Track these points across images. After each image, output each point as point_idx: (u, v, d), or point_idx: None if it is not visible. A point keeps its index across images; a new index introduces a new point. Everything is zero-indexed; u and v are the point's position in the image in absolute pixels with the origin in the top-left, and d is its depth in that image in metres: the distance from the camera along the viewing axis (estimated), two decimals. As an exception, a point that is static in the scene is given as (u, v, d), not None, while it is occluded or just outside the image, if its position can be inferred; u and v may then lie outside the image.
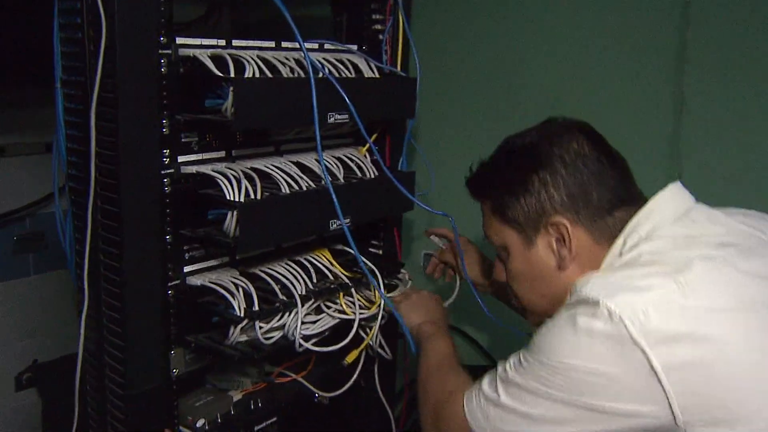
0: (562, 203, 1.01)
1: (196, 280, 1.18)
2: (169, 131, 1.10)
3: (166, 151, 1.11)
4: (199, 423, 1.26)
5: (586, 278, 0.94)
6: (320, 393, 1.44)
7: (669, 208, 1.00)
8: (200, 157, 1.17)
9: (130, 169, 1.04)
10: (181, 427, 1.24)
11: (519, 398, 0.94)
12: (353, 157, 1.38)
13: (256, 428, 1.34)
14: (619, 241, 0.99)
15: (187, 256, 1.18)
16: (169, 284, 1.15)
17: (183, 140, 1.14)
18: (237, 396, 1.36)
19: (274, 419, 1.37)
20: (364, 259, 1.31)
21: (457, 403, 1.04)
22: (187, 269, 1.18)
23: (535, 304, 1.12)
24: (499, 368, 0.99)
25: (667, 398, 0.84)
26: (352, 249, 1.23)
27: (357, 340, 1.34)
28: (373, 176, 1.37)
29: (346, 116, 1.22)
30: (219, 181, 1.12)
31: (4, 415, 2.01)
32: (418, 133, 1.93)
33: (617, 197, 1.01)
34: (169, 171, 1.12)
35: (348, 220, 1.28)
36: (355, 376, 1.43)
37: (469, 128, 1.92)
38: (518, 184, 1.04)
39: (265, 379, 1.42)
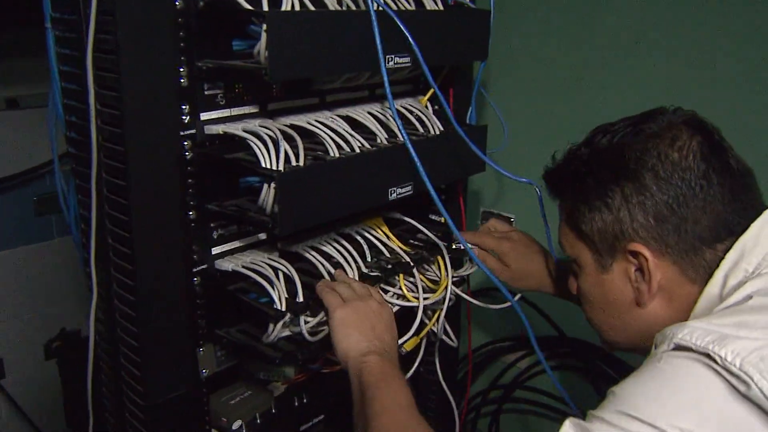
0: (647, 228, 0.79)
1: (226, 264, 0.97)
2: (188, 82, 0.88)
3: (186, 107, 0.89)
4: (236, 425, 1.07)
5: (680, 324, 0.70)
6: (374, 384, 1.24)
7: None
8: (228, 113, 0.95)
9: (139, 130, 0.83)
10: (213, 431, 1.06)
11: None
12: (413, 109, 1.15)
13: (302, 428, 1.15)
14: (718, 278, 0.76)
15: (215, 235, 0.97)
16: (195, 270, 0.95)
17: (206, 93, 0.92)
18: (279, 390, 1.17)
19: (322, 417, 1.18)
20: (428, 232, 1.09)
21: None
22: (215, 251, 0.98)
23: (607, 334, 0.91)
24: None
25: None
26: (450, 223, 0.98)
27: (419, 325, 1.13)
28: (437, 132, 1.13)
29: (408, 59, 0.98)
30: (252, 143, 0.89)
31: (34, 383, 1.91)
32: (487, 81, 1.67)
33: (725, 226, 0.77)
34: (189, 132, 0.90)
35: (410, 187, 1.05)
36: (415, 365, 1.23)
37: (550, 74, 1.64)
38: (596, 196, 0.83)
39: (312, 367, 1.23)
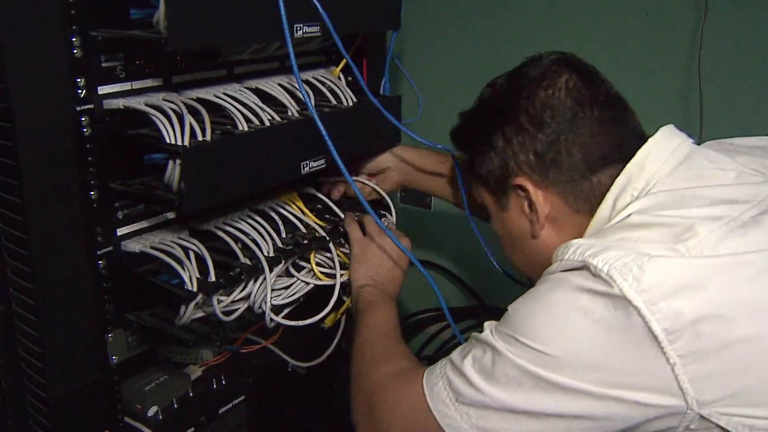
0: (528, 164, 0.85)
1: (133, 246, 0.93)
2: (82, 53, 0.82)
3: (81, 80, 0.83)
4: (151, 411, 1.04)
5: (567, 244, 0.77)
6: (295, 362, 1.23)
7: (663, 157, 0.81)
8: (130, 87, 0.90)
9: (27, 104, 0.77)
10: (126, 419, 1.02)
11: (497, 385, 0.74)
12: (326, 80, 1.12)
13: (221, 411, 1.12)
14: (608, 202, 0.82)
15: (120, 215, 0.92)
16: (99, 252, 0.90)
17: (103, 65, 0.86)
18: (196, 373, 1.14)
19: (242, 398, 1.15)
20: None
21: (411, 382, 0.83)
22: (121, 231, 0.93)
23: (520, 268, 0.98)
24: (474, 350, 0.78)
25: (673, 372, 0.66)
26: (355, 189, 0.98)
27: (337, 300, 1.12)
28: (351, 103, 1.11)
29: (317, 28, 0.95)
30: (154, 118, 0.85)
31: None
32: (403, 51, 1.65)
33: (597, 156, 0.83)
34: (87, 106, 0.84)
35: (323, 160, 1.03)
36: (336, 340, 1.22)
37: (462, 42, 1.64)
38: (484, 142, 0.90)
39: (230, 348, 1.20)
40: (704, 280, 0.67)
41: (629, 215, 0.77)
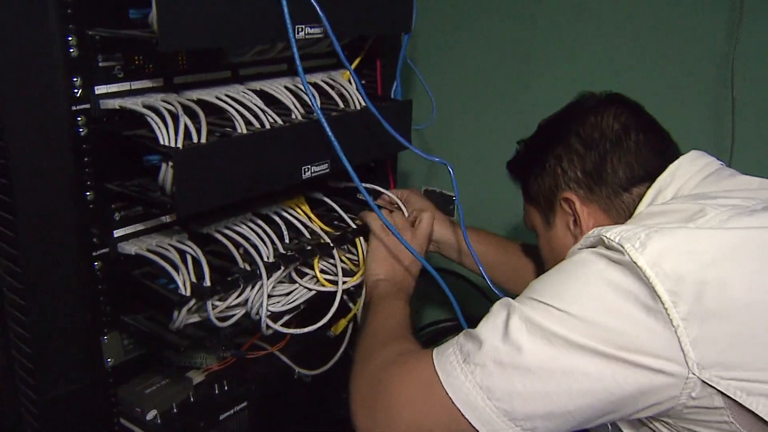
0: (576, 180, 0.93)
1: (130, 248, 0.92)
2: (79, 53, 0.82)
3: (77, 80, 0.82)
4: (150, 415, 1.03)
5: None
6: (301, 370, 1.21)
7: (692, 170, 0.88)
8: (128, 87, 0.89)
9: (19, 102, 0.77)
10: (124, 422, 1.01)
11: (507, 340, 0.75)
12: (334, 83, 1.10)
13: (221, 417, 1.10)
14: (640, 210, 0.88)
15: (117, 216, 0.92)
16: (95, 254, 0.89)
17: (101, 65, 0.86)
18: (198, 377, 1.12)
19: (244, 404, 1.13)
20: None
21: (421, 356, 0.81)
22: (118, 233, 0.92)
23: None
24: (490, 316, 0.79)
25: (677, 335, 0.68)
26: (366, 197, 0.98)
27: (344, 307, 1.10)
28: (359, 107, 1.09)
29: (320, 29, 0.93)
30: (149, 119, 0.84)
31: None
32: (416, 52, 1.62)
33: (637, 172, 0.90)
34: (83, 106, 0.84)
35: (326, 165, 1.01)
36: (342, 347, 1.20)
37: (483, 47, 1.60)
38: (538, 163, 0.98)
39: (235, 353, 1.18)
40: (707, 246, 0.70)
41: (647, 207, 0.85)
